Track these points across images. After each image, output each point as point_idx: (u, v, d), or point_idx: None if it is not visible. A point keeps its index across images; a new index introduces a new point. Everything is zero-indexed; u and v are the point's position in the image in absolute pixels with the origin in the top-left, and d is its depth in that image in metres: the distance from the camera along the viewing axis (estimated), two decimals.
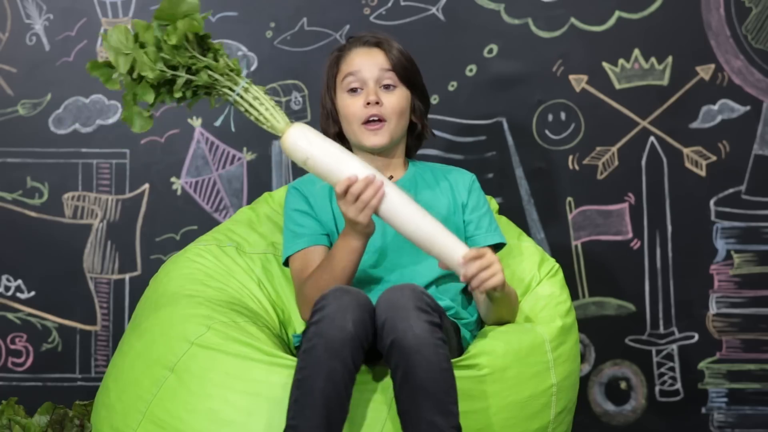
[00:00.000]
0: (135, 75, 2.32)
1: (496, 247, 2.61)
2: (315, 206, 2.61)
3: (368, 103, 2.56)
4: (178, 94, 2.33)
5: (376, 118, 2.57)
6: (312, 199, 2.61)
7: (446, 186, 2.65)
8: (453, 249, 2.34)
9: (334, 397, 2.16)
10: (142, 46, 2.32)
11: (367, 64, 2.59)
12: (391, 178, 2.59)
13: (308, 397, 2.15)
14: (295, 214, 2.60)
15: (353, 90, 2.59)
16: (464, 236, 2.62)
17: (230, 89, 2.35)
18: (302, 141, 2.35)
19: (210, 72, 2.33)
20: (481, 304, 2.53)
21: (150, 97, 2.33)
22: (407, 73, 2.61)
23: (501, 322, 2.55)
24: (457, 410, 2.19)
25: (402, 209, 2.36)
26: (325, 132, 2.62)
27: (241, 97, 2.35)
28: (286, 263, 2.60)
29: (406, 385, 2.17)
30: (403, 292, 2.22)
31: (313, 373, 2.16)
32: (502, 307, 2.50)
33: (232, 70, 2.35)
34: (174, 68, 2.33)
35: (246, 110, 2.37)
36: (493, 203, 2.97)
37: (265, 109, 2.36)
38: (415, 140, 2.71)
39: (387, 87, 2.59)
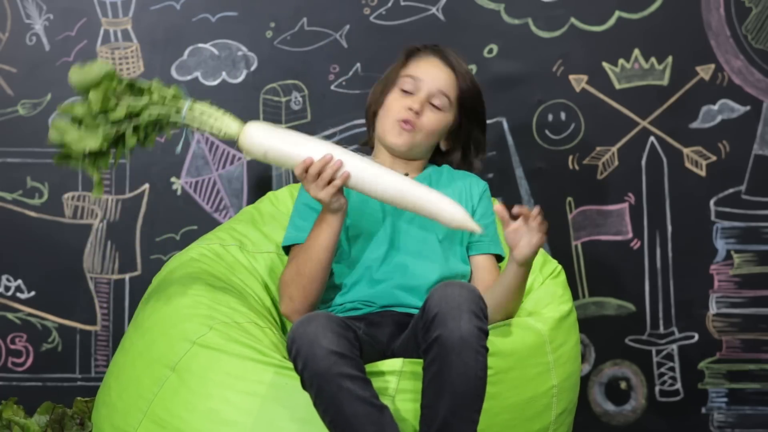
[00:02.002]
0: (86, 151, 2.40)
1: (497, 259, 2.66)
2: None
3: (410, 108, 2.60)
4: (132, 142, 2.39)
5: (409, 124, 2.61)
6: None
7: (459, 187, 2.68)
8: (448, 208, 2.41)
9: (371, 409, 2.16)
10: (80, 123, 2.39)
11: (431, 77, 2.64)
12: (406, 175, 2.61)
13: (350, 428, 2.16)
14: (303, 209, 2.63)
15: (405, 91, 2.64)
16: (468, 239, 2.63)
17: (177, 112, 2.41)
18: (258, 135, 2.43)
19: (151, 110, 2.39)
20: (503, 287, 2.53)
21: (106, 163, 2.42)
22: (469, 105, 2.68)
23: (507, 312, 2.55)
24: (478, 419, 2.20)
25: (377, 178, 2.43)
26: (374, 101, 2.70)
27: (191, 117, 2.42)
28: (285, 251, 2.64)
29: (437, 381, 2.18)
30: (462, 291, 2.22)
31: (336, 408, 2.16)
32: (520, 289, 2.52)
33: (173, 97, 2.42)
34: (117, 123, 2.39)
35: (199, 128, 2.43)
36: (495, 203, 2.96)
37: (215, 120, 2.43)
38: (461, 162, 2.76)
39: (434, 106, 2.63)
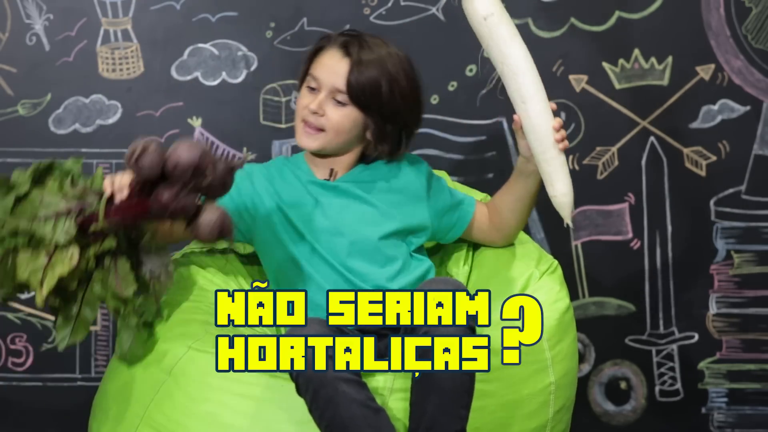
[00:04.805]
0: None
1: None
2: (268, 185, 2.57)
3: (308, 108, 2.50)
4: None
5: (312, 126, 2.50)
6: (263, 181, 2.58)
7: (402, 184, 2.59)
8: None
9: (367, 412, 2.16)
10: None
11: (329, 74, 2.49)
12: (332, 171, 2.56)
13: (347, 430, 2.15)
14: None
15: (311, 88, 2.52)
16: (444, 222, 2.64)
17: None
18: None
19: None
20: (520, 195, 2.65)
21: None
22: (365, 98, 2.49)
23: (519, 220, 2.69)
24: (467, 415, 2.20)
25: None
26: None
27: None
28: None
29: (423, 379, 2.18)
30: (447, 286, 2.22)
31: (332, 412, 2.15)
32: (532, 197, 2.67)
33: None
34: None
35: None
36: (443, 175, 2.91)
37: None
38: (392, 153, 2.59)
39: (339, 102, 2.49)
